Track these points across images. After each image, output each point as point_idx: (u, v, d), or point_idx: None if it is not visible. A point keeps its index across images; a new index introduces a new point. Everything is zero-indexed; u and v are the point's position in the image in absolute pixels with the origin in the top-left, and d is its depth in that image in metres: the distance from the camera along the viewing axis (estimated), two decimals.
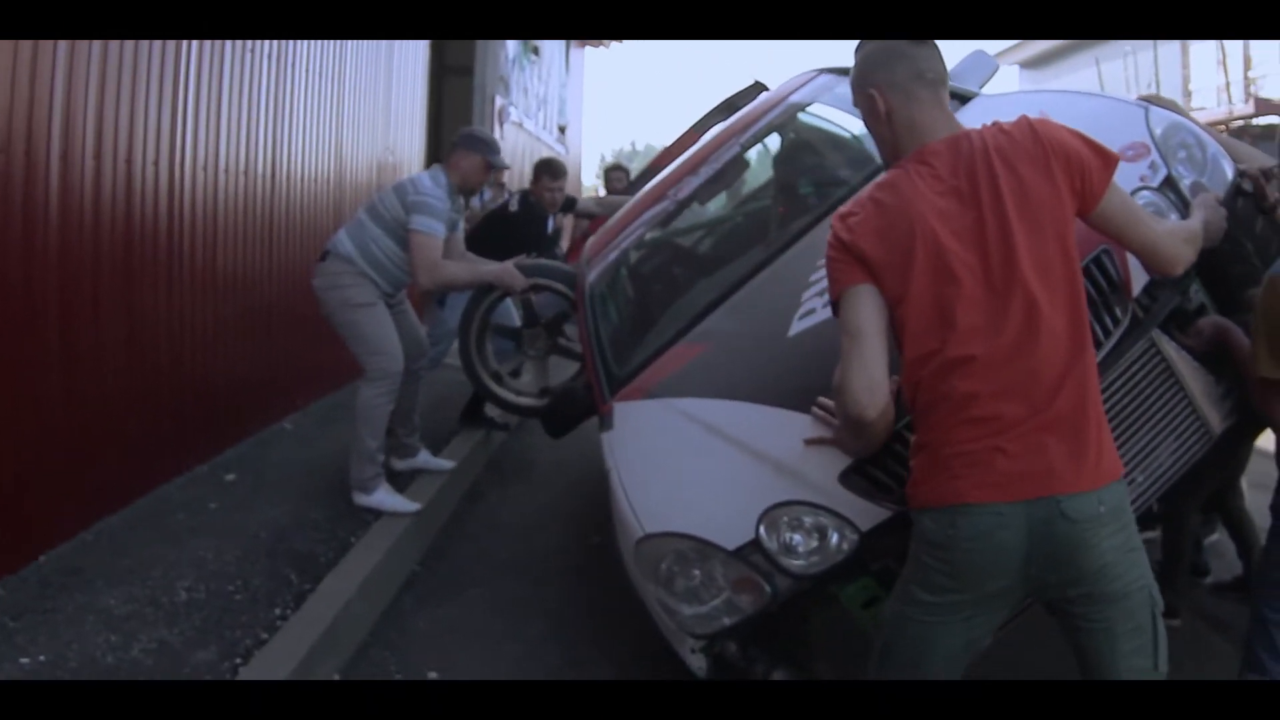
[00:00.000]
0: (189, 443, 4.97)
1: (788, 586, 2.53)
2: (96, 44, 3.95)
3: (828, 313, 2.19)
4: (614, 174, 9.80)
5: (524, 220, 6.46)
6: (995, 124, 2.04)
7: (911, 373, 1.96)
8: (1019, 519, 1.84)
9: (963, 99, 3.67)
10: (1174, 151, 2.91)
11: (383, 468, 4.66)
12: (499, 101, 12.16)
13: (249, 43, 5.33)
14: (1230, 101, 14.19)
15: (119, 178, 4.21)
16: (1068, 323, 1.90)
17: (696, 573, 2.63)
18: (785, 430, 2.63)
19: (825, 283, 2.12)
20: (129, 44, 4.18)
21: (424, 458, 5.24)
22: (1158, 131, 2.94)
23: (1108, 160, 2.04)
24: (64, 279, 3.88)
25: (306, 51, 6.18)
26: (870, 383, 1.93)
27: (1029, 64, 25.78)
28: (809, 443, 2.55)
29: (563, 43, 17.18)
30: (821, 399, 2.53)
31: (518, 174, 12.11)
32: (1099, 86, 17.76)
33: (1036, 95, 3.66)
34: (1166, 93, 18.20)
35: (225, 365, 5.31)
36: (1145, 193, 2.76)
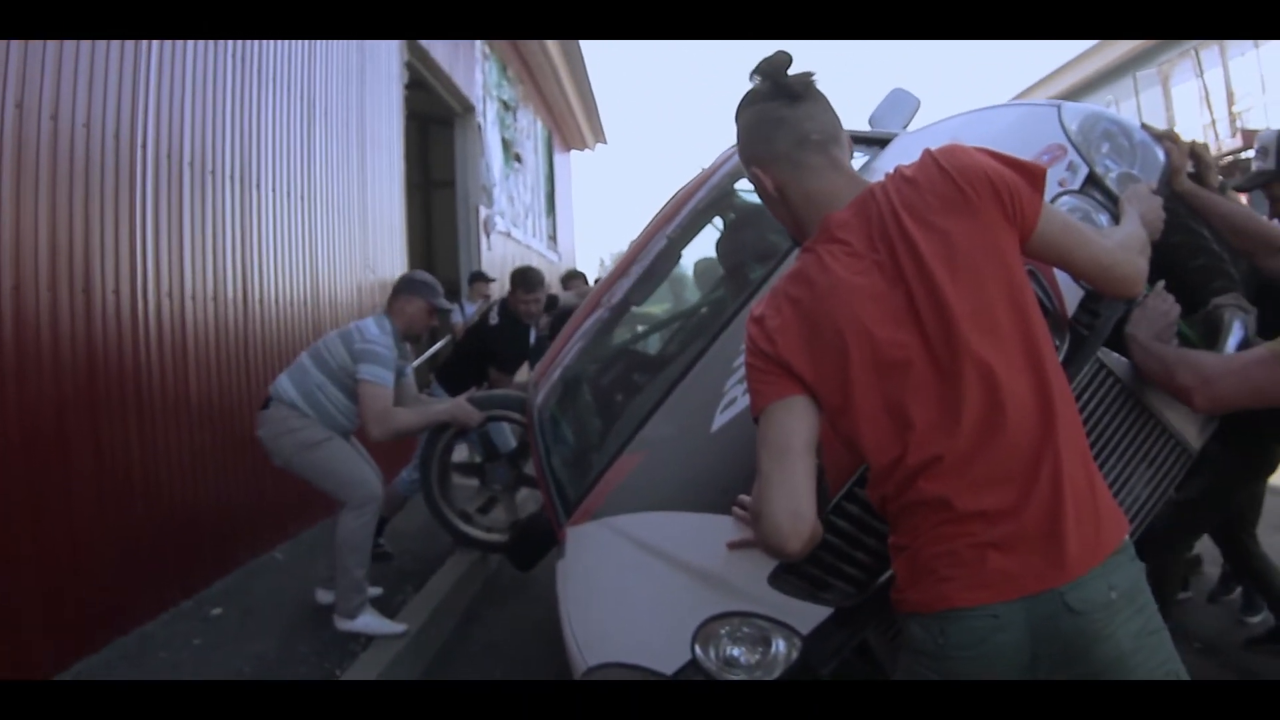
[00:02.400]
0: (171, 577, 4.75)
1: None
2: (45, 167, 3.86)
3: (748, 398, 1.88)
4: (572, 281, 9.73)
5: (505, 332, 6.37)
6: (897, 172, 1.76)
7: (877, 486, 1.74)
8: (1018, 619, 1.61)
9: (883, 142, 3.50)
10: (1095, 145, 2.69)
11: (368, 593, 4.50)
12: (484, 212, 12.20)
13: (209, 162, 5.26)
14: (1218, 138, 14.09)
15: (77, 307, 4.09)
16: (1032, 383, 1.65)
17: None
18: (711, 536, 2.38)
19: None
20: (79, 166, 4.10)
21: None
22: (1073, 127, 2.72)
23: (1034, 177, 1.75)
24: (23, 416, 3.73)
25: (272, 168, 6.13)
26: (794, 513, 1.65)
27: None
28: (732, 546, 2.31)
29: (544, 149, 17.38)
30: (741, 497, 2.27)
31: (506, 286, 12.11)
32: None
33: (949, 121, 3.35)
34: None
35: (207, 496, 5.12)
36: (1066, 198, 2.54)
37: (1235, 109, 18.42)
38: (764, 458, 1.71)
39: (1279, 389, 2.18)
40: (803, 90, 1.78)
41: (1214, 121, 15.30)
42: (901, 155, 2.03)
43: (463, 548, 5.29)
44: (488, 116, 12.58)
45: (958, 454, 1.63)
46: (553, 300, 7.15)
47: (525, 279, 6.47)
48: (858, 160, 3.39)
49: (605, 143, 21.97)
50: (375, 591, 4.97)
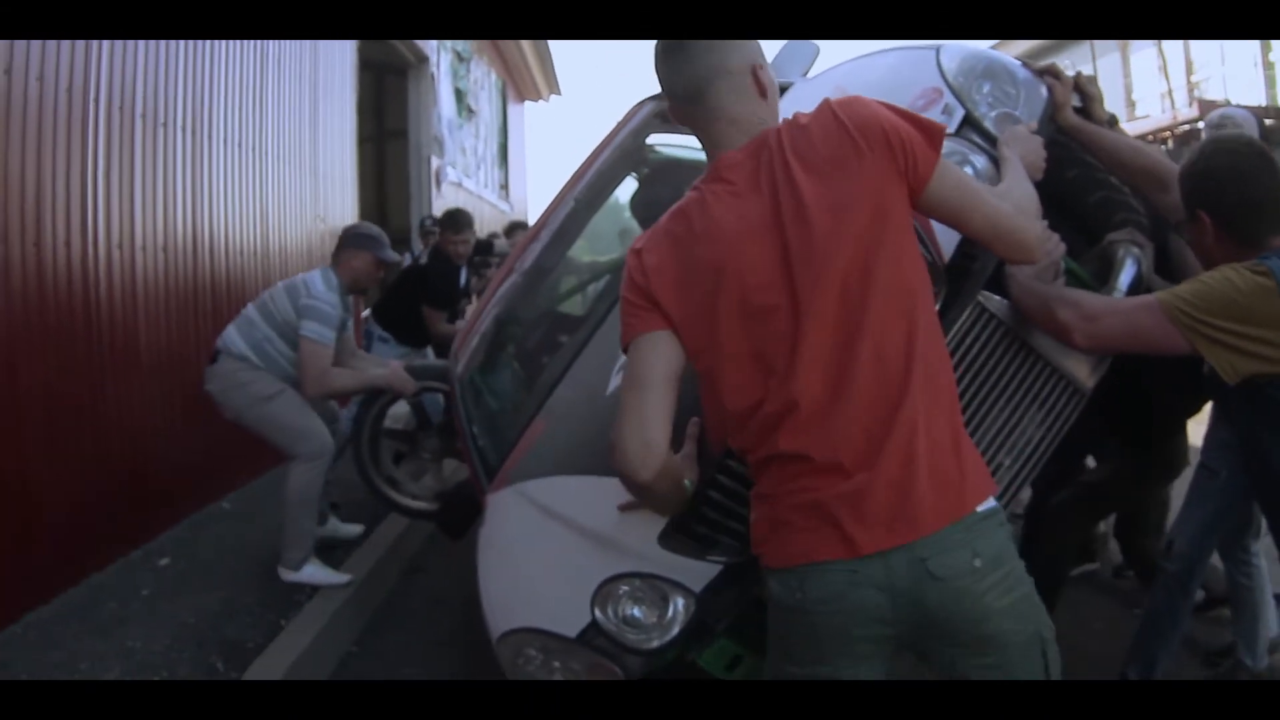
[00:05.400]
0: (122, 528, 4.80)
1: (639, 665, 2.30)
2: None
3: None
4: (515, 232, 9.77)
5: (434, 273, 6.50)
6: (794, 119, 1.75)
7: (738, 429, 1.75)
8: (876, 575, 1.62)
9: (781, 90, 3.44)
10: (974, 87, 2.63)
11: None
12: (435, 162, 12.15)
13: (161, 114, 5.24)
14: (1174, 107, 14.18)
15: (28, 260, 4.09)
16: (899, 337, 1.65)
17: (556, 664, 2.43)
18: (605, 498, 2.37)
19: None
20: (32, 119, 4.09)
21: (333, 524, 5.13)
22: (950, 69, 2.66)
23: (931, 133, 1.73)
24: None
25: (223, 119, 6.10)
26: (644, 442, 1.69)
27: None
28: (622, 508, 2.32)
29: (498, 100, 17.27)
30: None
31: None
32: None
33: (838, 68, 3.25)
34: (1110, 103, 18.75)
35: (157, 447, 5.16)
36: (944, 142, 2.48)
37: (1194, 79, 18.28)
38: (623, 389, 1.76)
39: (1158, 338, 2.17)
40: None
41: (1170, 91, 15.42)
42: (795, 104, 2.01)
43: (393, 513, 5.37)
44: (441, 67, 12.50)
45: (816, 404, 1.64)
46: (487, 245, 7.29)
47: (454, 221, 6.66)
48: None
49: (559, 94, 21.82)
50: (356, 529, 5.16)
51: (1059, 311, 2.24)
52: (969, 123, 2.56)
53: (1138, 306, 2.23)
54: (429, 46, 11.70)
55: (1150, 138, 12.22)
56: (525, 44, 17.20)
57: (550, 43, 18.14)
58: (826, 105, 1.74)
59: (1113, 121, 2.84)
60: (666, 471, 1.76)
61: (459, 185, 13.56)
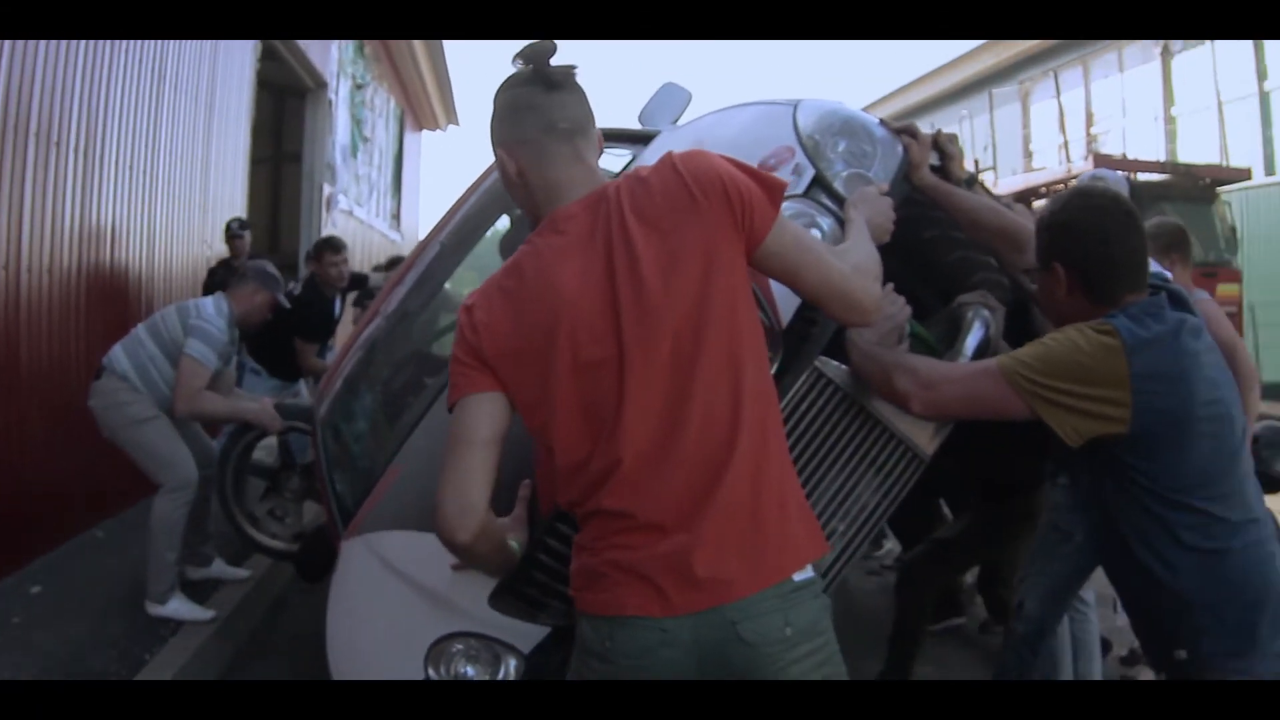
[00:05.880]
0: None
1: None
2: None
3: None
4: (395, 267, 9.75)
5: (306, 303, 6.41)
6: (634, 172, 1.73)
7: (566, 483, 1.72)
8: (684, 636, 1.60)
9: (647, 139, 3.38)
10: (828, 146, 2.59)
11: (178, 577, 4.53)
12: (327, 189, 12.07)
13: (55, 134, 5.18)
14: (1069, 160, 14.20)
15: None
16: (728, 397, 1.63)
17: None
18: (442, 556, 2.18)
19: None
20: None
21: (219, 566, 5.07)
22: (804, 127, 2.62)
23: (772, 190, 1.72)
24: None
25: (116, 141, 6.03)
26: (462, 504, 1.67)
27: None
28: (455, 567, 2.26)
29: (395, 127, 17.20)
30: None
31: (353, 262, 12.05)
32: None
33: (698, 122, 3.26)
34: (1007, 154, 18.75)
35: (35, 470, 5.05)
36: (790, 203, 2.41)
37: (1093, 130, 18.85)
38: (446, 450, 1.71)
39: (998, 403, 2.13)
40: (561, 80, 1.75)
41: (1066, 143, 15.65)
42: (658, 154, 1.86)
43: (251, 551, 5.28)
44: (339, 93, 12.44)
45: (641, 461, 1.62)
46: (361, 279, 7.27)
47: (330, 242, 6.68)
48: (623, 158, 3.39)
49: (458, 124, 21.81)
50: (243, 573, 5.09)
51: (897, 379, 2.22)
52: (818, 183, 2.53)
53: (976, 372, 2.20)
54: (329, 71, 11.65)
55: (1045, 190, 12.46)
56: (426, 71, 17.17)
57: (450, 71, 18.16)
58: (668, 158, 1.72)
59: (971, 181, 2.82)
60: (487, 534, 1.73)
61: (349, 213, 13.47)
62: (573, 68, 1.78)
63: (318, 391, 4.45)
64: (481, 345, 1.70)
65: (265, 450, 4.96)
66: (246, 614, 4.89)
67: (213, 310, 4.51)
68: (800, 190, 2.51)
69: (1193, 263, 3.88)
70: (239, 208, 8.84)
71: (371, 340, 4.21)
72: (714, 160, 1.71)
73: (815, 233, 2.42)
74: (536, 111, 1.74)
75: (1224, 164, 14.40)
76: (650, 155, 3.11)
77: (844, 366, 2.40)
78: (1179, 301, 2.17)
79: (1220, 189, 12.22)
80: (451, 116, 21.15)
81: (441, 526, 1.69)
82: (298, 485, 4.90)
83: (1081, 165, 12.10)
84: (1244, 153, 15.15)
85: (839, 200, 2.47)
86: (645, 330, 1.62)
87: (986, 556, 3.92)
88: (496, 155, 1.80)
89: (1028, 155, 19.74)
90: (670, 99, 3.85)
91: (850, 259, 1.88)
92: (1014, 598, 3.10)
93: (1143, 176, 11.57)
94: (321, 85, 11.64)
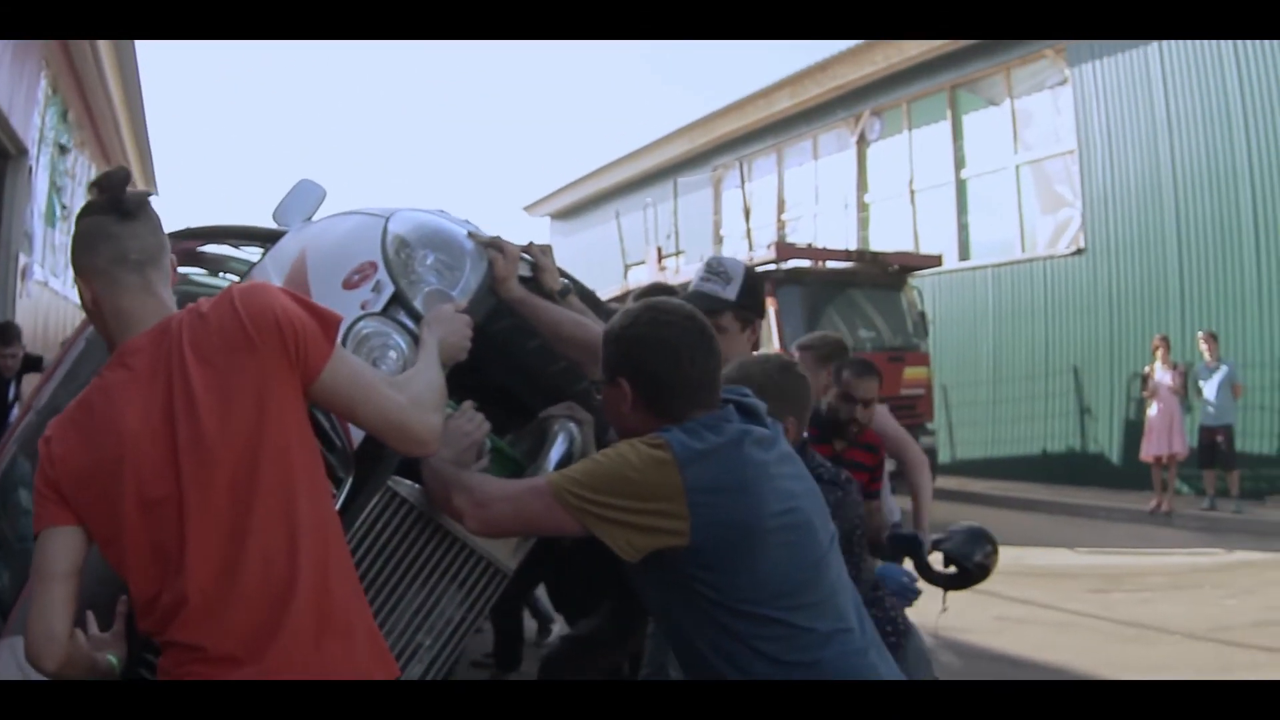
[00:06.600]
0: None
1: None
2: None
3: None
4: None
5: None
6: (196, 306, 1.74)
7: (143, 615, 1.73)
8: None
9: (276, 237, 3.33)
10: (413, 260, 2.58)
11: None
12: (23, 259, 11.37)
13: None
14: (751, 249, 13.78)
15: None
16: (284, 531, 1.68)
17: None
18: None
19: None
20: None
21: None
22: (389, 241, 2.60)
23: (327, 324, 1.77)
24: None
25: None
26: (48, 634, 1.68)
27: (559, 215, 26.69)
28: None
29: None
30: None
31: (39, 337, 11.37)
32: (619, 239, 17.52)
33: (309, 228, 3.22)
34: (697, 240, 18.55)
35: None
36: (365, 322, 2.43)
37: (784, 217, 19.18)
38: (31, 579, 1.75)
39: (549, 520, 2.06)
40: (134, 208, 1.76)
41: (749, 230, 15.46)
42: (274, 256, 1.92)
43: None
44: (40, 161, 11.81)
45: (206, 598, 1.63)
46: (36, 361, 7.03)
47: (3, 334, 6.59)
48: (254, 255, 3.41)
49: (157, 193, 20.99)
50: None
51: (455, 497, 2.15)
52: (397, 300, 2.50)
53: (525, 491, 2.12)
54: (30, 138, 11.05)
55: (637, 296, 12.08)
56: (126, 137, 16.52)
57: (151, 140, 17.56)
58: (229, 294, 1.74)
59: (565, 291, 2.80)
60: (73, 660, 1.72)
61: (45, 285, 12.71)
62: (147, 194, 1.81)
63: None
64: (59, 478, 1.70)
65: None
66: None
67: None
68: (379, 308, 2.47)
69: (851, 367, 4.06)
70: None
71: (23, 438, 3.93)
72: (272, 297, 1.74)
73: (391, 353, 2.43)
74: (110, 240, 1.74)
75: (916, 251, 14.98)
76: (276, 253, 3.10)
77: (418, 485, 2.37)
78: (750, 414, 2.14)
79: (911, 275, 12.48)
80: (150, 185, 20.35)
81: (29, 655, 1.71)
82: None
83: (764, 253, 12.03)
84: (937, 239, 15.63)
85: (419, 318, 2.43)
86: (202, 470, 1.64)
87: (627, 651, 3.69)
88: (75, 283, 1.81)
89: (718, 241, 20.15)
90: (305, 196, 3.76)
91: (410, 390, 1.89)
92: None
93: (831, 264, 11.93)
94: (23, 152, 11.02)
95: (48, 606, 1.68)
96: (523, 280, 2.71)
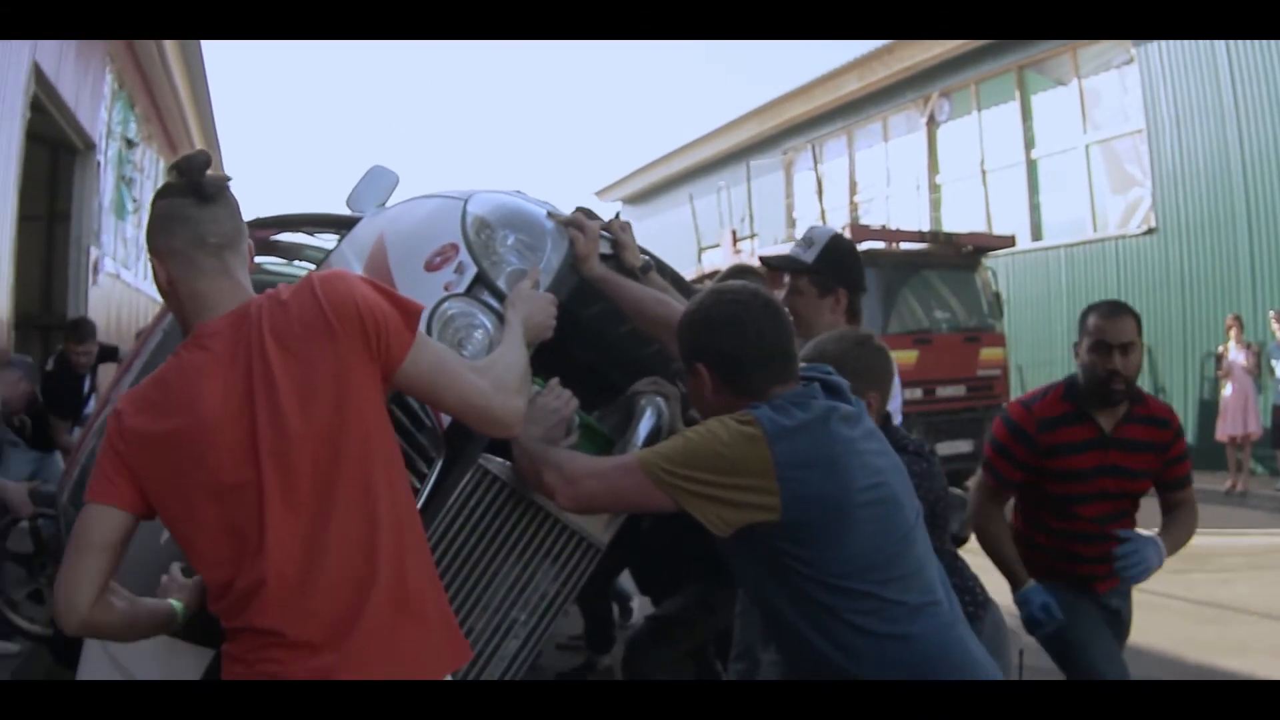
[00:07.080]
0: None
1: None
2: None
3: None
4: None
5: (56, 380, 6.34)
6: (276, 292, 1.75)
7: (214, 598, 1.73)
8: None
9: (352, 223, 3.37)
10: (494, 241, 2.58)
11: None
12: (94, 252, 11.59)
13: None
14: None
15: None
16: (364, 518, 1.68)
17: None
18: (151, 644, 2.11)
19: None
20: None
21: None
22: (470, 222, 2.59)
23: (408, 313, 1.77)
24: None
25: None
26: (69, 605, 1.67)
27: (631, 200, 26.53)
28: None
29: None
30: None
31: (113, 329, 11.61)
32: (693, 222, 17.70)
33: (387, 213, 3.22)
34: (771, 223, 18.97)
35: None
36: (451, 303, 2.44)
37: (856, 199, 18.96)
38: (68, 546, 1.73)
39: (640, 497, 2.06)
40: (214, 192, 1.77)
41: (824, 212, 15.45)
42: (351, 242, 1.91)
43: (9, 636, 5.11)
44: (108, 155, 12.01)
45: (285, 583, 1.63)
46: (112, 351, 7.15)
47: (76, 331, 6.56)
48: (325, 244, 3.42)
49: (229, 181, 21.27)
50: (13, 647, 4.88)
51: (545, 474, 2.17)
52: (481, 280, 2.50)
53: (617, 467, 2.14)
54: (97, 132, 11.24)
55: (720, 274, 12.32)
56: (195, 131, 16.76)
57: (219, 130, 17.79)
58: (309, 282, 1.74)
59: (645, 268, 2.79)
60: (94, 625, 1.71)
61: (116, 277, 12.96)
62: (226, 179, 1.80)
63: (61, 478, 4.36)
64: (129, 452, 1.70)
65: (21, 534, 4.87)
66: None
67: None
68: (462, 289, 2.47)
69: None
70: (4, 270, 8.43)
71: (102, 428, 4.01)
72: (352, 285, 1.74)
73: (478, 333, 2.43)
74: (188, 224, 1.75)
75: (989, 231, 14.76)
76: (353, 239, 3.12)
77: (509, 463, 2.39)
78: (835, 391, 2.13)
79: (984, 256, 12.15)
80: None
81: (55, 614, 1.75)
82: (52, 571, 4.75)
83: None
84: (1010, 220, 15.42)
85: (503, 297, 2.44)
86: (283, 456, 1.64)
87: (712, 630, 3.66)
88: (152, 262, 1.81)
89: (791, 224, 20.02)
90: (378, 182, 3.78)
91: (492, 373, 1.89)
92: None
93: (905, 245, 11.74)
94: (90, 146, 11.21)
95: (74, 577, 1.67)
96: (603, 258, 2.69)
